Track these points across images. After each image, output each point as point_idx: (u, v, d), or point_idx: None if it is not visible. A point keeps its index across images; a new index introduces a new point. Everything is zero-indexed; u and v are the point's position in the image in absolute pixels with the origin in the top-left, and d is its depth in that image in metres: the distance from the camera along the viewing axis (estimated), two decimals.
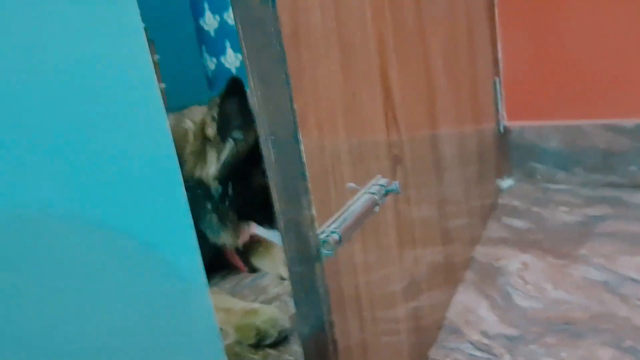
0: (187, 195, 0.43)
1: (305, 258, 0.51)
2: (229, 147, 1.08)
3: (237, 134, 1.08)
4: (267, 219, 1.16)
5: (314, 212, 0.50)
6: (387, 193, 0.63)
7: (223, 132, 1.07)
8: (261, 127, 0.48)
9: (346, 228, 0.53)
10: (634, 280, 0.92)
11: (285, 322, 0.94)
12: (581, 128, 1.35)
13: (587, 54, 1.31)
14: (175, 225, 0.46)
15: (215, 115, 1.05)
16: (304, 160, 0.48)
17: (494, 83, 1.39)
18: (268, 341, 0.92)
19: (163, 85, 2.46)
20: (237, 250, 1.21)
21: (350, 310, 0.59)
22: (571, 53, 1.32)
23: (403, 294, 0.74)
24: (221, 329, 0.94)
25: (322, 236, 0.51)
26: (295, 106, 0.46)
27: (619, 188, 1.32)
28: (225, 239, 1.14)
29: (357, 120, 0.59)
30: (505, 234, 1.18)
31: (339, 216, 0.54)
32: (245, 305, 0.99)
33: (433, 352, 0.83)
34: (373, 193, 0.60)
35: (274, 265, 1.22)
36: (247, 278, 1.20)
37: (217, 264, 1.22)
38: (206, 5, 3.66)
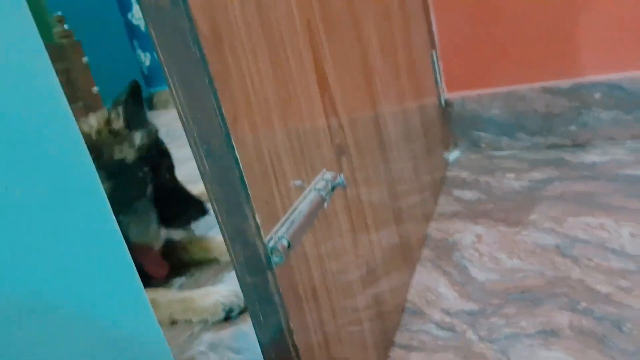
0: (112, 183, 0.42)
1: (255, 268, 0.49)
2: (139, 134, 1.14)
3: (142, 130, 1.15)
4: (181, 214, 1.21)
5: (258, 220, 0.47)
6: (333, 188, 0.61)
7: (130, 124, 1.13)
8: (190, 137, 0.45)
9: (295, 231, 0.51)
10: (582, 240, 0.94)
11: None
12: (520, 93, 1.37)
13: (519, 18, 1.32)
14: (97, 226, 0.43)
15: (121, 111, 1.13)
16: (241, 166, 0.45)
17: (431, 56, 1.39)
18: (237, 311, 0.99)
19: (96, 88, 2.36)
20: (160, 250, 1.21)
21: (310, 310, 0.57)
22: (504, 19, 1.33)
23: (362, 282, 0.73)
24: (184, 320, 1.02)
25: (270, 244, 0.48)
26: (224, 110, 0.43)
27: (562, 148, 1.35)
28: (151, 233, 1.17)
29: (295, 115, 0.57)
30: (456, 207, 1.19)
31: (287, 219, 0.52)
32: (200, 290, 1.04)
33: (398, 337, 0.82)
34: (319, 189, 0.58)
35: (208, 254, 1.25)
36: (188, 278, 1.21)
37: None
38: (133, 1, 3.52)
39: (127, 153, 1.12)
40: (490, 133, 1.44)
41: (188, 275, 1.21)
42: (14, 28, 0.38)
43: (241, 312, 1.00)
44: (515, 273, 0.91)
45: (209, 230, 1.32)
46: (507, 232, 1.04)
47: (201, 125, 0.44)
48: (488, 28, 1.36)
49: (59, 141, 0.42)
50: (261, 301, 0.50)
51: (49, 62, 0.40)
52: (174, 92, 0.44)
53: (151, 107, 3.71)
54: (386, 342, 0.81)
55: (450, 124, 1.47)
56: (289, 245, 0.49)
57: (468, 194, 1.24)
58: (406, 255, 0.97)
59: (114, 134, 1.13)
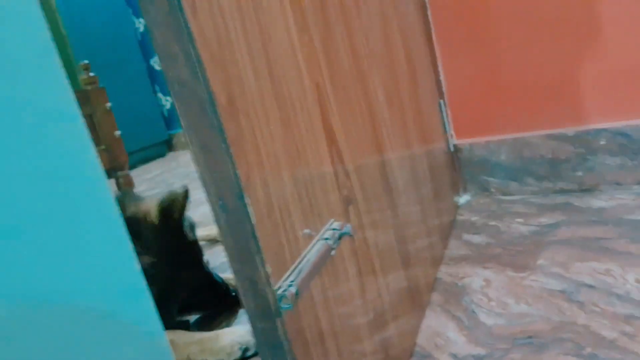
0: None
1: (265, 314, 0.52)
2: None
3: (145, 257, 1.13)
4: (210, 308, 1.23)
5: (268, 269, 0.51)
6: (340, 237, 0.64)
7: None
8: (208, 194, 0.49)
9: (303, 279, 0.55)
10: (588, 285, 0.96)
11: None
12: (526, 139, 1.41)
13: (524, 67, 1.37)
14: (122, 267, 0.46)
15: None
16: (253, 220, 0.49)
17: (439, 105, 1.44)
18: (253, 350, 1.02)
19: (118, 132, 2.45)
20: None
21: (317, 355, 0.60)
22: (510, 68, 1.39)
23: (370, 327, 0.76)
24: None
25: (280, 291, 0.52)
26: (238, 171, 0.48)
27: (569, 193, 1.37)
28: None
29: (303, 169, 0.61)
30: (466, 251, 1.21)
31: (295, 267, 0.56)
32: (217, 331, 1.07)
33: None
34: (327, 239, 0.62)
35: None
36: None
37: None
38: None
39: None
40: (499, 178, 1.47)
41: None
42: (45, 74, 0.42)
43: (257, 352, 1.02)
44: (522, 318, 0.93)
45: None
46: (515, 276, 1.06)
47: (218, 184, 0.49)
48: (494, 77, 1.41)
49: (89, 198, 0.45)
50: (270, 346, 0.54)
51: (78, 111, 0.44)
52: (194, 155, 0.49)
53: (171, 148, 3.80)
54: None
55: (460, 169, 1.50)
56: (297, 293, 0.53)
57: (477, 238, 1.26)
58: (415, 300, 0.99)
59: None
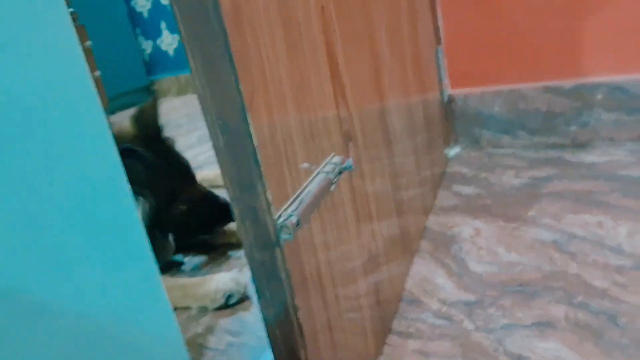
0: None
1: (264, 244, 0.50)
2: (141, 205, 1.08)
3: (144, 192, 1.09)
4: (210, 226, 1.22)
5: (269, 196, 0.48)
6: (341, 172, 0.62)
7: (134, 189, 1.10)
8: (207, 113, 0.46)
9: (304, 210, 0.52)
10: (580, 237, 0.96)
11: (246, 280, 1.01)
12: (522, 92, 1.38)
13: (524, 17, 1.33)
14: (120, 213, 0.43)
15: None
16: (256, 142, 0.46)
17: (436, 52, 1.40)
18: (236, 298, 0.99)
19: (98, 72, 2.35)
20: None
21: (314, 291, 0.58)
22: (509, 18, 1.35)
23: (363, 270, 0.74)
24: (182, 307, 1.01)
25: (280, 221, 0.49)
26: (242, 87, 0.44)
27: (562, 148, 1.36)
28: (164, 255, 1.17)
29: (307, 99, 0.58)
30: (455, 202, 1.20)
31: (296, 198, 0.53)
32: (201, 277, 1.05)
33: (396, 324, 0.83)
34: (327, 172, 0.59)
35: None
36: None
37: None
38: None
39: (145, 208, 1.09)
40: (492, 131, 1.45)
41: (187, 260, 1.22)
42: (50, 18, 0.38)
43: (241, 300, 1.00)
44: (512, 266, 0.92)
45: None
46: (506, 226, 1.05)
47: (219, 101, 0.45)
48: (493, 26, 1.37)
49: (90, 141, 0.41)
50: (268, 278, 0.51)
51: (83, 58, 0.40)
52: (194, 69, 0.45)
53: (151, 95, 3.70)
54: (384, 329, 0.82)
55: (452, 120, 1.48)
56: (298, 223, 0.50)
57: (467, 190, 1.25)
58: (405, 246, 0.98)
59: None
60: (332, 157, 0.62)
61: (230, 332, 0.90)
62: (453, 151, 1.48)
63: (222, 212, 1.19)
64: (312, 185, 0.56)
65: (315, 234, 0.57)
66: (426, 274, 0.95)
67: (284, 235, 0.49)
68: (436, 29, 1.40)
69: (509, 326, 0.78)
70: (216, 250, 1.22)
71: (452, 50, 1.43)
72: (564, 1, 1.27)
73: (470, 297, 0.86)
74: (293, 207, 0.52)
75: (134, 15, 3.57)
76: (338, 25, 0.68)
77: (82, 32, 2.23)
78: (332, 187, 0.60)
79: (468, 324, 0.80)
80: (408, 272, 0.97)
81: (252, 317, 0.94)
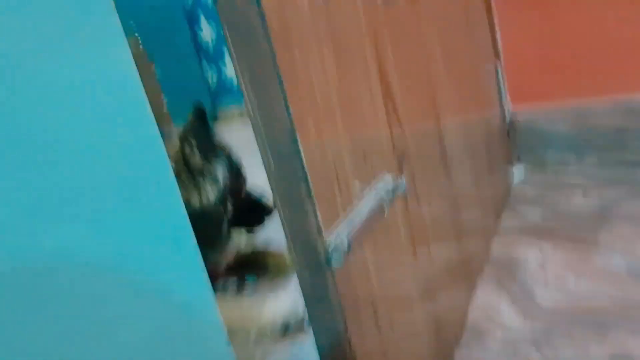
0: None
1: (314, 267, 0.48)
2: (220, 166, 1.10)
3: (217, 152, 1.12)
4: (257, 220, 1.22)
5: (319, 218, 0.47)
6: (394, 193, 0.59)
7: (207, 156, 1.11)
8: (257, 134, 0.45)
9: (355, 233, 0.50)
10: None
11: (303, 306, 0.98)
12: (589, 107, 1.31)
13: (590, 28, 1.27)
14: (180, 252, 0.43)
15: (194, 142, 1.09)
16: (305, 163, 0.45)
17: (495, 68, 1.36)
18: (294, 324, 0.96)
19: (166, 100, 2.45)
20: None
21: (368, 317, 0.55)
22: (573, 29, 1.29)
23: (420, 295, 0.71)
24: (239, 328, 0.98)
25: (331, 243, 0.48)
26: (290, 108, 0.43)
27: (634, 166, 1.27)
28: (221, 260, 1.16)
29: (357, 117, 0.56)
30: (520, 224, 1.15)
31: (347, 220, 0.51)
32: (259, 300, 1.04)
33: (458, 354, 0.79)
34: (380, 194, 0.57)
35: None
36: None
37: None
38: (201, 15, 3.66)
39: (209, 193, 1.11)
40: (557, 149, 1.38)
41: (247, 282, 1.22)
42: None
43: (298, 328, 0.98)
44: (583, 295, 0.86)
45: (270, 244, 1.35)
46: (575, 251, 0.99)
47: (269, 122, 0.44)
48: (556, 38, 1.31)
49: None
50: (319, 302, 0.50)
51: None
52: (243, 90, 0.44)
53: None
54: (446, 358, 0.78)
55: (514, 139, 1.42)
56: (349, 246, 0.48)
57: (532, 212, 1.19)
58: (466, 272, 0.94)
59: (193, 173, 1.11)
60: (385, 178, 0.60)
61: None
62: (517, 172, 1.42)
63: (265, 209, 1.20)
64: (364, 207, 0.54)
65: (369, 258, 0.55)
66: (489, 301, 0.90)
67: (335, 258, 0.47)
68: (494, 43, 1.35)
69: (581, 357, 0.72)
70: (272, 272, 1.21)
71: (513, 65, 1.38)
72: (634, 10, 1.21)
73: (538, 327, 0.81)
74: (344, 230, 0.50)
75: (198, 43, 3.70)
76: (389, 41, 0.67)
77: (150, 67, 2.33)
78: (385, 212, 0.58)
79: (535, 355, 0.75)
80: (470, 299, 0.92)
81: (307, 346, 0.92)
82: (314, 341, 0.51)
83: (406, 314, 0.66)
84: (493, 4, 1.35)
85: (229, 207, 1.15)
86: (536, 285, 0.91)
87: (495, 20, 1.37)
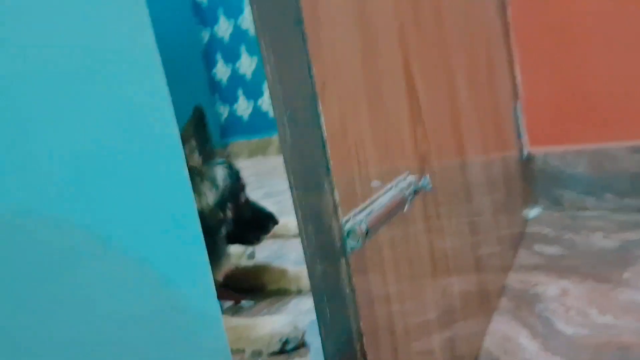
0: None
1: (328, 253, 0.45)
2: (221, 171, 1.09)
3: (218, 158, 1.11)
4: (256, 236, 1.19)
5: (337, 197, 0.43)
6: (416, 191, 0.56)
7: (207, 159, 1.09)
8: (276, 101, 0.43)
9: (374, 221, 0.47)
10: None
11: (304, 326, 0.94)
12: (608, 151, 1.29)
13: (609, 72, 1.26)
14: (189, 256, 0.40)
15: (194, 144, 1.07)
16: (325, 136, 0.42)
17: (514, 108, 1.34)
18: (293, 343, 0.92)
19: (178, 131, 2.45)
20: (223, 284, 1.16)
21: (382, 317, 0.51)
22: (591, 72, 1.28)
23: (437, 318, 0.66)
24: (236, 349, 0.94)
25: (348, 225, 0.44)
26: (313, 74, 0.41)
27: None
28: (216, 273, 1.12)
29: (381, 107, 0.54)
30: (538, 261, 1.10)
31: (366, 206, 0.48)
32: (257, 319, 0.98)
33: None
34: (401, 189, 0.54)
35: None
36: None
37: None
38: (219, 56, 3.73)
39: (208, 197, 1.08)
40: (574, 192, 1.34)
41: (244, 303, 1.17)
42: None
43: (297, 347, 0.93)
44: (608, 329, 0.81)
45: (274, 259, 1.31)
46: (598, 288, 0.94)
47: (289, 87, 0.42)
48: (576, 80, 1.30)
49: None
50: (330, 294, 0.46)
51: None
52: (264, 53, 0.42)
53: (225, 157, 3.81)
54: None
55: (532, 180, 1.39)
56: (367, 232, 0.45)
57: (551, 250, 1.14)
58: (483, 302, 0.89)
59: (192, 174, 1.08)
60: (407, 175, 0.57)
61: None
62: (533, 212, 1.38)
63: (268, 218, 1.17)
64: (384, 198, 0.51)
65: (386, 252, 0.51)
66: (507, 332, 0.85)
67: (351, 242, 0.44)
68: (514, 84, 1.35)
69: None
70: (268, 296, 1.17)
71: (531, 106, 1.37)
72: None
73: None
74: (363, 215, 0.46)
75: (213, 83, 3.76)
76: (416, 44, 0.65)
77: None
78: (406, 207, 0.55)
79: None
80: (486, 330, 0.87)
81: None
82: (320, 339, 0.47)
83: (421, 339, 0.61)
84: (513, 44, 1.35)
85: (228, 213, 1.11)
86: (556, 319, 0.86)
87: (516, 60, 1.37)
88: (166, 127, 0.40)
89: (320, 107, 0.42)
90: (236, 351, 0.95)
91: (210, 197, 1.06)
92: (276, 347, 0.92)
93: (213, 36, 3.69)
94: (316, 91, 0.41)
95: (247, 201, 1.19)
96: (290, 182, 0.44)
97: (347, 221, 0.44)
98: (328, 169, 0.43)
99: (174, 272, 0.40)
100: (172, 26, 3.48)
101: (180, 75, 3.32)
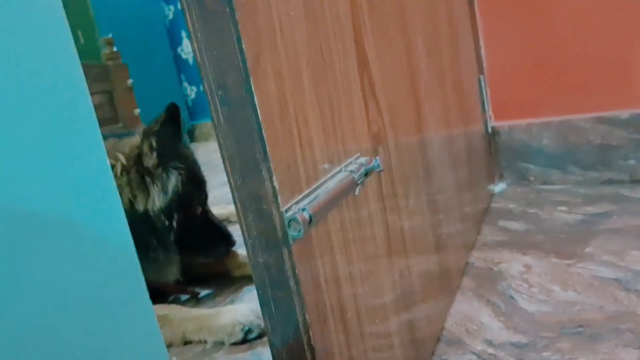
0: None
1: (269, 242, 0.41)
2: (174, 177, 1.02)
3: (177, 163, 1.04)
4: (208, 249, 1.12)
5: (276, 183, 0.40)
6: (367, 172, 0.53)
7: (164, 162, 1.02)
8: (207, 83, 0.39)
9: (319, 207, 0.44)
10: None
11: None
12: (573, 123, 1.28)
13: (574, 43, 1.24)
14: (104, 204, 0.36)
15: (154, 144, 1.00)
16: (260, 116, 0.39)
17: (479, 81, 1.32)
18: (256, 332, 0.90)
19: (138, 110, 2.37)
20: (178, 281, 1.12)
21: (331, 306, 0.48)
22: (557, 44, 1.26)
23: (394, 302, 0.64)
24: (197, 340, 0.92)
25: (289, 214, 0.41)
26: (244, 45, 0.37)
27: (619, 184, 1.23)
28: (169, 275, 1.07)
29: (328, 81, 0.50)
30: (502, 237, 1.09)
31: (311, 192, 0.45)
32: (218, 309, 0.95)
33: None
34: (351, 171, 0.51)
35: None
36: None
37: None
38: (184, 34, 3.62)
39: (155, 200, 1.01)
40: (540, 165, 1.34)
41: (202, 293, 1.13)
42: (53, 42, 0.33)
43: (260, 336, 0.90)
44: (570, 306, 0.80)
45: (238, 246, 1.28)
46: (560, 263, 0.93)
47: (218, 65, 0.38)
48: (540, 53, 1.28)
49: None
50: (273, 285, 0.42)
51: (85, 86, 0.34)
52: (191, 27, 0.38)
53: (192, 139, 3.74)
54: None
55: (497, 154, 1.38)
56: (311, 220, 0.42)
57: (515, 225, 1.14)
58: (444, 282, 0.87)
59: (143, 172, 1.01)
60: (358, 158, 0.54)
61: None
62: (498, 187, 1.37)
63: (223, 238, 1.12)
64: (331, 182, 0.48)
65: (334, 237, 0.48)
66: (469, 312, 0.84)
67: (292, 232, 0.41)
68: (478, 56, 1.32)
69: None
70: (233, 283, 1.13)
71: (496, 79, 1.34)
72: (622, 24, 1.18)
73: (522, 339, 0.74)
74: (306, 201, 0.43)
75: (179, 62, 3.66)
76: (369, 20, 0.61)
77: (124, 70, 2.26)
78: (357, 191, 0.52)
79: None
80: (448, 311, 0.85)
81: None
82: (268, 334, 0.44)
83: (377, 313, 0.59)
84: (478, 17, 1.32)
85: (174, 223, 1.05)
86: (519, 297, 0.85)
87: (480, 34, 1.34)
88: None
89: (252, 84, 0.38)
90: (198, 342, 0.92)
91: (157, 201, 1.00)
92: (238, 336, 0.89)
93: (177, 12, 3.57)
94: (247, 66, 0.37)
95: (205, 214, 1.12)
96: (226, 169, 0.41)
97: (288, 209, 0.41)
98: (265, 153, 0.39)
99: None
100: (134, 0, 3.36)
101: (145, 53, 3.22)
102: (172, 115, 1.02)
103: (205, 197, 1.12)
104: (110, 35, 2.24)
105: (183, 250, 1.07)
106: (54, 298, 0.31)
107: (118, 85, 2.23)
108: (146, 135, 1.02)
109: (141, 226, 0.99)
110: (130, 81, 2.28)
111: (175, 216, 1.02)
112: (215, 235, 1.12)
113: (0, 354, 0.29)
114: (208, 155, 1.25)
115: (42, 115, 0.32)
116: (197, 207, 1.09)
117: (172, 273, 1.07)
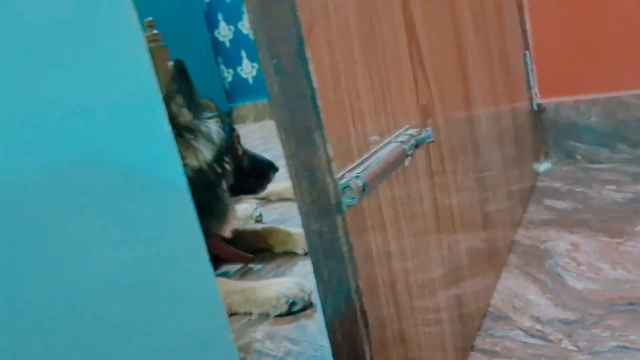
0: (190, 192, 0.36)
1: (323, 210, 0.42)
2: (213, 125, 1.05)
3: (208, 112, 1.07)
4: (260, 181, 1.20)
5: (330, 151, 0.41)
6: (418, 143, 0.53)
7: (196, 114, 1.04)
8: (261, 49, 0.39)
9: (371, 176, 0.44)
10: None
11: (311, 287, 0.93)
12: (622, 99, 1.24)
13: (622, 17, 1.20)
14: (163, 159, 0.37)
15: (181, 101, 1.02)
16: (315, 84, 0.39)
17: (524, 57, 1.29)
18: (300, 304, 0.91)
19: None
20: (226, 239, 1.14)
21: (382, 275, 0.49)
22: (604, 19, 1.22)
23: (442, 275, 0.64)
24: (243, 312, 0.94)
25: (343, 181, 0.41)
26: (299, 14, 0.37)
27: None
28: (226, 226, 1.10)
29: (377, 52, 0.50)
30: (549, 216, 1.07)
31: (363, 161, 0.45)
32: (263, 282, 0.97)
33: (479, 342, 0.72)
34: (402, 142, 0.51)
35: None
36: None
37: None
38: (220, 17, 3.64)
39: (204, 152, 1.04)
40: (587, 143, 1.30)
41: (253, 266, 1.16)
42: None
43: (304, 308, 0.92)
44: (620, 284, 0.78)
45: (281, 222, 1.31)
46: (609, 242, 0.91)
47: (272, 34, 0.39)
48: (588, 28, 1.24)
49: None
50: (326, 253, 0.43)
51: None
52: None
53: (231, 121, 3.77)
54: (465, 346, 0.71)
55: (543, 132, 1.35)
56: (364, 188, 0.42)
57: (561, 204, 1.11)
58: (491, 258, 0.86)
59: (181, 131, 1.02)
60: (407, 129, 0.54)
61: (290, 340, 0.82)
62: (544, 165, 1.34)
63: (268, 166, 1.20)
64: (383, 152, 0.48)
65: (385, 209, 0.49)
66: (516, 289, 0.83)
67: (346, 199, 0.41)
68: (524, 32, 1.29)
69: (621, 348, 0.64)
70: (275, 259, 1.15)
71: (542, 56, 1.31)
72: None
73: (570, 316, 0.73)
74: (359, 169, 0.44)
75: (216, 45, 3.69)
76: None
77: (165, 52, 2.30)
78: (407, 162, 0.52)
79: (568, 345, 0.67)
80: (494, 287, 0.85)
81: (314, 325, 0.85)
82: (319, 300, 0.45)
83: (426, 298, 0.59)
84: None
85: (227, 167, 1.09)
86: (567, 275, 0.83)
87: (525, 8, 1.30)
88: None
89: (308, 54, 0.38)
90: (243, 314, 0.94)
91: (207, 153, 1.03)
92: (283, 308, 0.91)
93: None
94: (302, 35, 0.38)
95: (245, 152, 1.18)
96: (280, 138, 0.42)
97: (342, 177, 0.42)
98: (319, 121, 0.40)
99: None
100: None
101: (184, 37, 3.25)
102: (180, 69, 1.05)
103: (239, 136, 1.17)
104: (151, 18, 2.28)
105: (238, 193, 1.14)
106: (119, 248, 0.33)
107: (159, 67, 2.27)
108: (170, 96, 1.03)
109: (197, 183, 1.02)
110: (170, 63, 2.31)
111: (227, 159, 1.07)
112: (261, 166, 1.18)
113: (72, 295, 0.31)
114: (246, 137, 1.28)
115: (120, 85, 0.33)
116: (237, 146, 1.14)
117: (226, 227, 1.11)
